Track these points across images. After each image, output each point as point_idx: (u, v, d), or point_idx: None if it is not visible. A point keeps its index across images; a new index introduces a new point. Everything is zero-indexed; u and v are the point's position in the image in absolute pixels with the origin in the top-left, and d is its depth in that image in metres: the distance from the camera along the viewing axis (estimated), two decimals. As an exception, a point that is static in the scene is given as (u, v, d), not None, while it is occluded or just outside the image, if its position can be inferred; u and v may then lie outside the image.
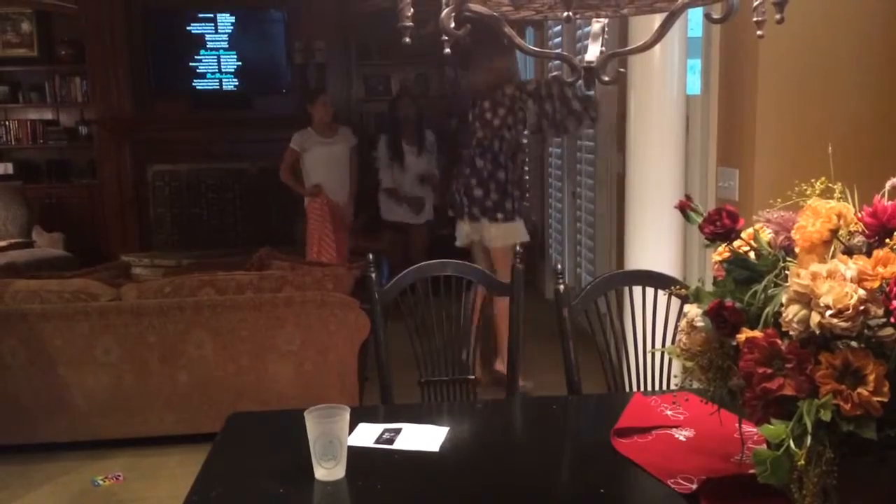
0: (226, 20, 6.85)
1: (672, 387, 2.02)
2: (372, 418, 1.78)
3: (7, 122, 7.01)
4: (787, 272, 1.17)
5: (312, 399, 1.59)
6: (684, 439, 1.61)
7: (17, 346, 3.33)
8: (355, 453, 1.53)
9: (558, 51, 1.39)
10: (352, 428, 1.60)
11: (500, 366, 4.11)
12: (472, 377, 2.27)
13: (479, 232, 4.14)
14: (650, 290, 2.12)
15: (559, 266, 2.21)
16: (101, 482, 3.21)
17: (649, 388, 2.12)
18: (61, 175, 7.06)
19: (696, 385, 1.31)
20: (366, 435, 1.68)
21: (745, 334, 1.14)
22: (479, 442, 1.75)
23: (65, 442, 3.43)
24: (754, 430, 1.28)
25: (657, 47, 1.54)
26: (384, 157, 5.48)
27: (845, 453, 1.07)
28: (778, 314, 1.13)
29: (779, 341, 1.10)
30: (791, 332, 1.09)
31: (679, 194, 2.91)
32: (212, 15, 6.81)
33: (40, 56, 6.92)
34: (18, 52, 6.93)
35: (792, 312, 1.09)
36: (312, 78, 6.99)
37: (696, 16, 3.21)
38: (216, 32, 6.86)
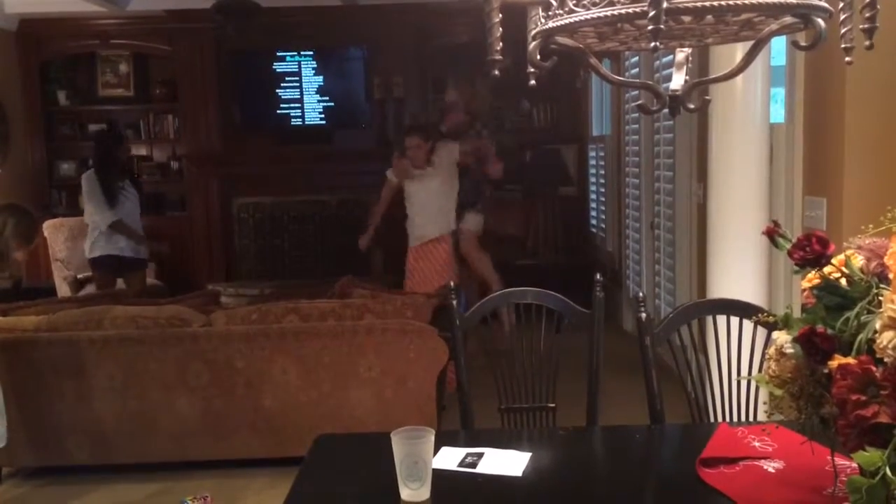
0: (309, 58, 7.12)
1: (760, 416, 1.98)
2: (454, 442, 1.81)
3: (105, 159, 7.42)
4: (880, 298, 1.16)
5: (392, 426, 1.58)
6: (774, 471, 1.58)
7: (115, 370, 3.50)
8: (439, 476, 1.56)
9: (640, 80, 1.42)
10: (435, 451, 1.63)
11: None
12: (553, 405, 2.27)
13: None
14: (734, 319, 2.09)
15: (640, 294, 2.20)
16: (190, 503, 3.32)
17: (734, 418, 2.08)
18: (155, 208, 7.40)
19: (781, 417, 1.29)
20: (449, 458, 1.71)
21: (837, 361, 1.13)
22: (562, 468, 1.76)
23: (156, 462, 3.57)
24: (847, 462, 1.26)
25: (740, 76, 1.52)
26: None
27: (946, 484, 1.04)
28: (871, 341, 1.12)
29: (873, 368, 1.08)
30: (886, 359, 1.08)
31: (763, 223, 2.86)
32: (296, 54, 7.09)
33: (136, 96, 7.34)
34: (117, 93, 7.36)
35: (887, 339, 1.07)
36: (391, 113, 7.16)
37: (778, 44, 3.18)
38: (300, 70, 7.13)
